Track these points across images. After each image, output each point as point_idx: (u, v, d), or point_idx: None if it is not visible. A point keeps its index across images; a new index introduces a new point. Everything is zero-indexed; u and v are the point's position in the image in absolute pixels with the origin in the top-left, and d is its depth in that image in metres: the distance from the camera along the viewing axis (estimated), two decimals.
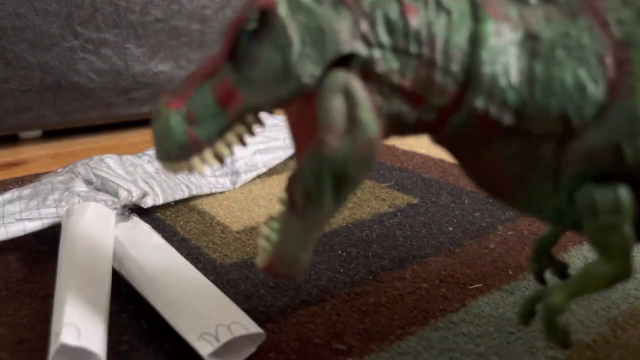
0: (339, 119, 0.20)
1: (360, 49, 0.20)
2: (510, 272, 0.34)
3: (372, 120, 0.20)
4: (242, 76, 0.21)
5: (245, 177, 0.50)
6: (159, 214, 0.44)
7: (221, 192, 0.48)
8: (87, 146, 0.66)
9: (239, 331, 0.26)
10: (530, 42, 0.20)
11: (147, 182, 0.44)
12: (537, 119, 0.20)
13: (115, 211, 0.37)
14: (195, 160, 0.22)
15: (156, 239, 0.35)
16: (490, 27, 0.20)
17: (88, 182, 0.42)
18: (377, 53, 0.20)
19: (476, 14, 0.20)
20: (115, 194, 0.40)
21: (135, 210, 0.44)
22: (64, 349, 0.24)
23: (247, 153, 0.52)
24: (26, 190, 0.40)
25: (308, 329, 0.29)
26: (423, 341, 0.28)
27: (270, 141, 0.56)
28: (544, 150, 0.21)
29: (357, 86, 0.20)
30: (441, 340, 0.28)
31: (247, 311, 0.30)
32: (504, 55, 0.20)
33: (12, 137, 0.70)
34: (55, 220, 0.37)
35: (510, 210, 0.44)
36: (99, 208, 0.36)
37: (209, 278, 0.34)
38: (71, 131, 0.72)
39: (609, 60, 0.19)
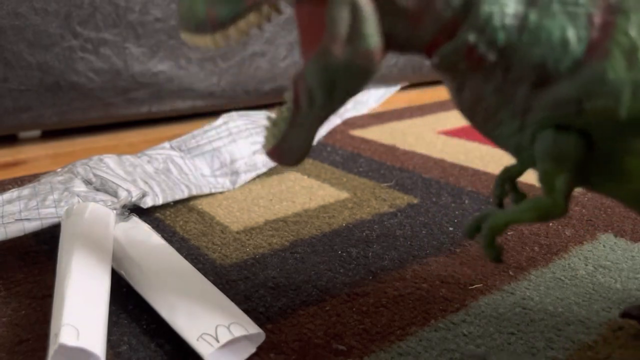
0: (344, 29, 0.21)
1: None
2: (510, 273, 0.34)
3: (373, 34, 0.21)
4: None
5: (245, 177, 0.50)
6: (158, 214, 0.44)
7: (221, 192, 0.48)
8: (86, 146, 0.66)
9: (239, 331, 0.26)
10: None
11: (146, 182, 0.44)
12: (518, 62, 0.21)
13: (114, 211, 0.37)
14: (209, 38, 0.24)
15: (156, 239, 0.35)
16: None
17: (87, 182, 0.42)
18: None
19: None
20: (115, 194, 0.40)
21: (135, 210, 0.44)
22: (63, 349, 0.24)
23: (246, 153, 0.52)
24: (25, 191, 0.40)
25: (308, 329, 0.29)
26: (423, 342, 0.28)
27: None
28: (518, 92, 0.22)
29: (365, 1, 0.21)
30: (441, 340, 0.28)
31: (247, 311, 0.30)
32: None
33: (11, 137, 0.70)
34: (55, 220, 0.37)
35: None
36: (98, 208, 0.36)
37: (208, 278, 0.34)
38: (70, 131, 0.72)
39: (597, 21, 0.20)
